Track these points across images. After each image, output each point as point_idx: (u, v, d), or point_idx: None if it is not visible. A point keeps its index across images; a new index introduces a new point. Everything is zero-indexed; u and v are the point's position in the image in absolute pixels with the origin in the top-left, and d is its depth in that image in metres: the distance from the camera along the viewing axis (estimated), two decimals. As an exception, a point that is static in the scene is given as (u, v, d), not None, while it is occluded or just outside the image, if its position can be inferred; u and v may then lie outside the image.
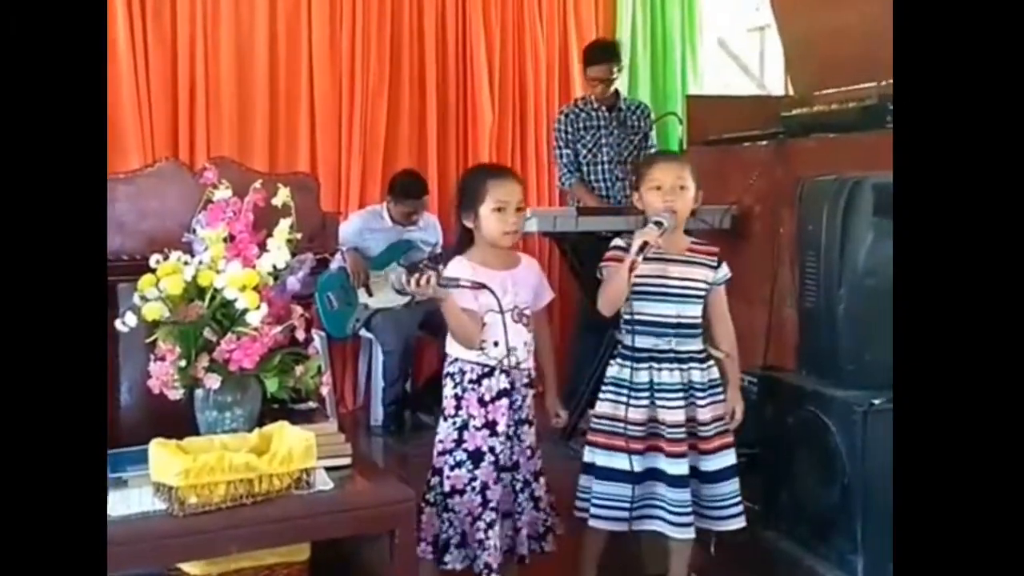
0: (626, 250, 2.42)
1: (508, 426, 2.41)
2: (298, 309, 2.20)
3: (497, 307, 2.34)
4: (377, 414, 4.74)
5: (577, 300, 4.60)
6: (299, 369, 2.14)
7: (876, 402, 2.62)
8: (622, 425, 2.49)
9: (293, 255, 2.21)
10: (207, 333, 2.05)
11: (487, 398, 2.41)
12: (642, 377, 2.51)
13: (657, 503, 2.51)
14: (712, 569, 2.82)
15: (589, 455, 2.57)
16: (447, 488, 2.40)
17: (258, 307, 2.06)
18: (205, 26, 4.71)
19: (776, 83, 5.94)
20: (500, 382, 2.41)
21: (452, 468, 2.40)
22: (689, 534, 2.49)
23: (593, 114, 4.75)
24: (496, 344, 2.38)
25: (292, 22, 4.94)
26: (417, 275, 2.24)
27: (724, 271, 2.60)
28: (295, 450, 1.95)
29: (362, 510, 2.05)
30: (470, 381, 2.42)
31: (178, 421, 2.09)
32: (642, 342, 2.52)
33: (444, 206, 4.95)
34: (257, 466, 1.89)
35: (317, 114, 5.02)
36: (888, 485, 1.48)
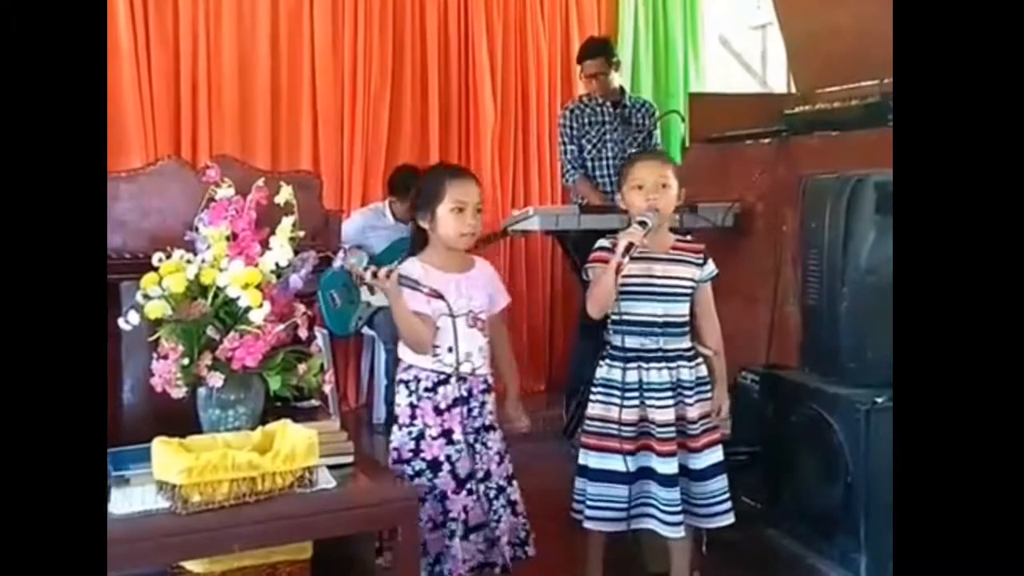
0: (611, 251, 2.40)
1: (466, 434, 2.36)
2: (301, 307, 2.21)
3: (449, 312, 2.27)
4: (379, 412, 4.74)
5: (579, 299, 4.60)
6: (302, 367, 2.14)
7: (879, 400, 2.62)
8: (615, 426, 2.48)
9: (295, 253, 2.21)
10: (210, 331, 2.05)
11: (443, 406, 2.35)
12: (631, 377, 2.50)
13: (650, 502, 2.51)
14: (715, 568, 2.82)
15: (583, 457, 2.55)
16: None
17: (261, 305, 2.06)
18: (207, 24, 4.71)
19: (778, 81, 5.94)
20: (456, 390, 2.34)
21: (411, 478, 2.34)
22: (680, 533, 2.48)
23: (598, 110, 4.76)
24: (450, 350, 2.32)
25: (294, 20, 4.95)
26: (376, 267, 2.22)
27: (710, 268, 2.58)
28: (298, 448, 1.95)
29: (364, 508, 2.06)
30: (425, 389, 2.36)
31: (181, 419, 2.09)
32: (630, 342, 2.51)
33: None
34: (260, 464, 1.89)
35: (319, 112, 5.02)
36: (891, 483, 1.47)
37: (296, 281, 2.21)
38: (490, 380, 2.44)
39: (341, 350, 4.89)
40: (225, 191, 2.20)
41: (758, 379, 3.36)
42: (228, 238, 2.15)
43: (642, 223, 2.41)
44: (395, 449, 2.40)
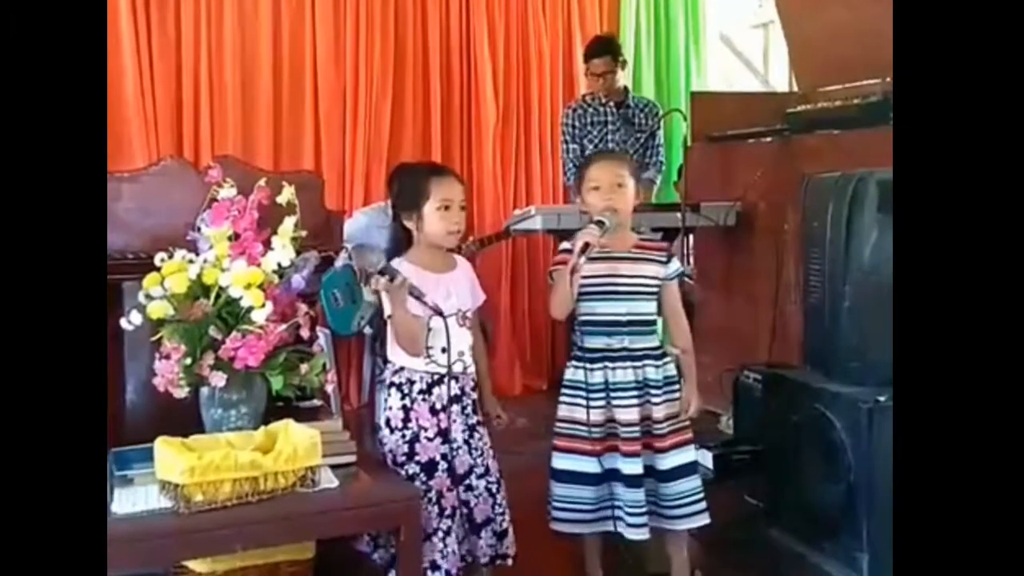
0: (571, 252, 2.39)
1: (462, 432, 2.37)
2: (303, 307, 2.21)
3: (441, 313, 2.28)
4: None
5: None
6: (304, 367, 2.15)
7: (881, 399, 2.61)
8: (583, 428, 2.47)
9: (298, 253, 2.21)
10: (212, 331, 2.05)
11: (439, 406, 2.35)
12: (597, 378, 2.48)
13: (615, 503, 2.49)
14: (717, 567, 2.81)
15: (553, 460, 2.54)
16: None
17: (263, 305, 2.07)
18: (209, 25, 4.71)
19: (780, 79, 5.93)
20: (451, 388, 2.35)
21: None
22: (643, 535, 2.45)
23: (600, 110, 4.75)
24: (444, 350, 2.32)
25: (296, 20, 4.94)
26: (388, 276, 2.21)
27: (675, 266, 2.57)
28: (300, 448, 1.95)
29: (367, 508, 2.06)
30: (420, 391, 2.36)
31: (183, 419, 2.09)
32: (595, 342, 2.49)
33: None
34: (262, 464, 1.90)
35: (321, 112, 5.02)
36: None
37: (298, 281, 2.22)
38: (475, 377, 2.46)
39: (343, 350, 4.89)
40: (227, 191, 2.20)
41: (760, 378, 3.35)
42: (230, 238, 2.16)
43: (599, 223, 2.40)
44: (389, 452, 2.38)
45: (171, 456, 1.86)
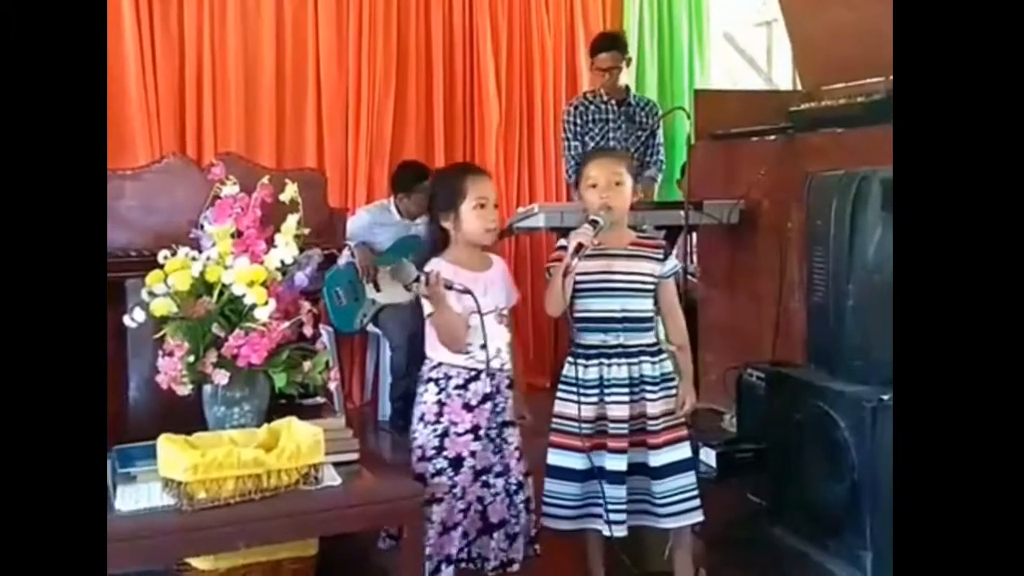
0: (567, 250, 2.40)
1: (490, 429, 2.39)
2: (306, 304, 2.21)
3: (479, 310, 2.32)
4: (385, 409, 4.75)
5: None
6: (307, 364, 2.15)
7: (885, 397, 2.61)
8: (574, 424, 2.47)
9: (301, 251, 2.21)
10: (215, 329, 2.05)
11: (473, 403, 2.37)
12: (592, 374, 2.48)
13: (597, 500, 2.48)
14: (720, 565, 2.81)
15: (547, 455, 2.54)
16: (426, 496, 2.32)
17: (266, 303, 2.07)
18: (212, 22, 4.71)
19: (784, 78, 5.93)
20: (485, 385, 2.38)
21: (432, 476, 2.35)
22: (621, 532, 2.45)
23: (602, 107, 4.75)
24: (482, 347, 2.36)
25: (299, 17, 4.94)
26: (427, 277, 2.25)
27: (671, 264, 2.58)
28: (303, 446, 1.95)
29: (370, 505, 2.06)
30: (456, 387, 2.38)
31: (187, 416, 2.10)
32: (590, 339, 2.50)
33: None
34: (265, 461, 1.90)
35: (324, 109, 5.02)
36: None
37: (301, 278, 2.22)
38: (511, 376, 2.48)
39: (346, 347, 4.90)
40: (230, 188, 2.20)
41: (763, 376, 3.35)
42: (233, 235, 2.16)
43: (593, 223, 2.41)
44: (419, 447, 2.40)
45: (174, 453, 1.86)
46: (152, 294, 2.08)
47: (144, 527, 1.82)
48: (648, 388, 2.49)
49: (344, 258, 4.40)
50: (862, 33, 3.74)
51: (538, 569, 2.50)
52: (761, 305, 4.03)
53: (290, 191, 2.22)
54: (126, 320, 2.07)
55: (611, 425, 2.46)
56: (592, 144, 4.71)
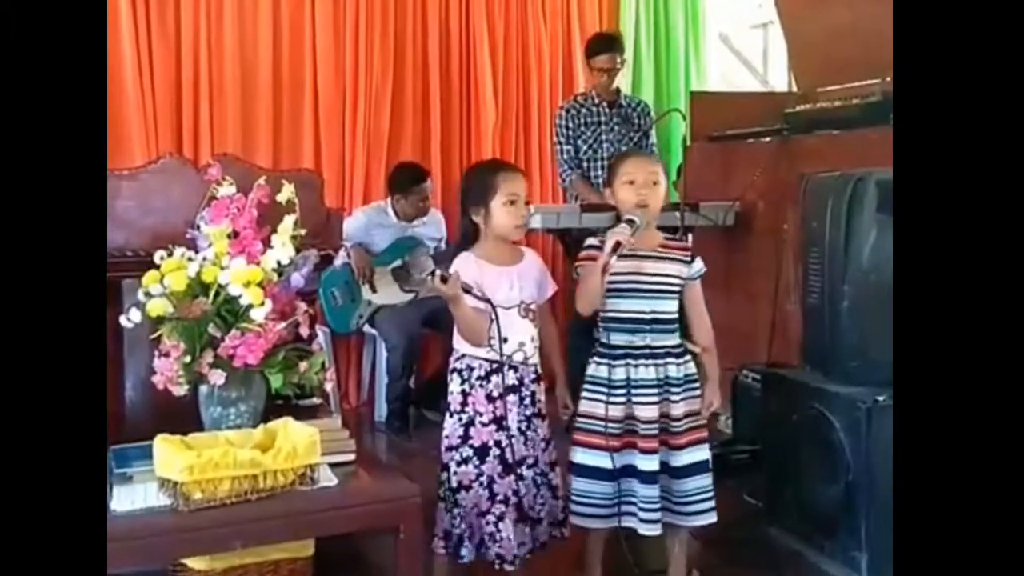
0: (600, 249, 2.43)
1: (520, 422, 2.44)
2: (302, 305, 2.21)
3: (504, 304, 2.38)
4: (381, 410, 4.74)
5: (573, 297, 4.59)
6: (303, 365, 2.15)
7: (880, 399, 2.62)
8: (601, 423, 2.50)
9: (297, 251, 2.21)
10: (211, 329, 2.06)
11: (495, 394, 2.42)
12: (619, 374, 2.51)
13: (631, 499, 2.51)
14: (716, 566, 2.82)
15: (572, 454, 2.57)
16: (454, 484, 2.42)
17: (262, 303, 2.07)
18: (209, 22, 4.71)
19: (780, 79, 5.93)
20: (508, 378, 2.43)
21: (459, 464, 2.42)
22: (656, 530, 2.49)
23: (594, 109, 4.74)
24: (505, 340, 2.41)
25: (296, 18, 4.94)
26: (443, 273, 2.28)
27: (698, 266, 2.60)
28: (299, 446, 1.95)
29: (366, 506, 2.06)
30: (478, 378, 2.44)
31: (183, 417, 2.10)
32: (618, 339, 2.52)
33: (448, 202, 4.94)
34: (261, 462, 1.90)
35: (321, 110, 5.01)
36: (892, 481, 1.47)
37: (297, 279, 2.22)
38: (539, 369, 2.53)
39: (342, 348, 4.89)
40: (227, 189, 2.20)
41: (759, 378, 3.36)
42: (229, 236, 2.16)
43: (630, 222, 2.44)
44: (446, 436, 2.47)
45: (170, 454, 1.86)
46: (148, 294, 2.08)
47: (140, 527, 1.82)
48: (672, 389, 2.52)
49: (340, 259, 4.40)
50: (858, 35, 3.75)
51: (536, 565, 2.52)
52: (757, 307, 4.03)
53: (286, 192, 2.22)
54: (122, 320, 2.07)
55: (641, 426, 2.50)
56: (585, 147, 4.71)
